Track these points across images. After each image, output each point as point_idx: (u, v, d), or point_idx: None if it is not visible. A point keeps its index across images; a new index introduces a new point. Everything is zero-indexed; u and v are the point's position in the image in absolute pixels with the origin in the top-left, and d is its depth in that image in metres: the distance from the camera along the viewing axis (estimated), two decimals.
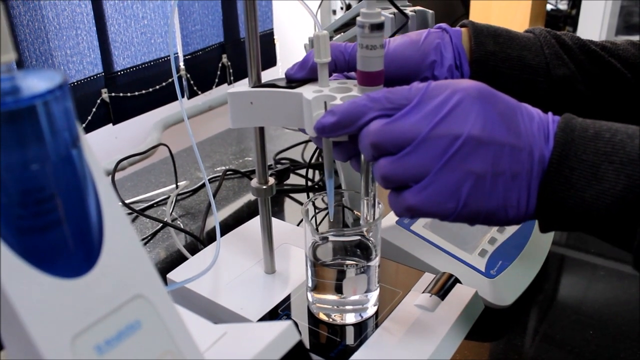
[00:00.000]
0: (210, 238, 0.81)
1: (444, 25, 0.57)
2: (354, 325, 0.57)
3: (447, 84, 0.43)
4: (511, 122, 0.41)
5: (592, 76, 0.56)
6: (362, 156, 0.50)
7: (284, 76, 0.54)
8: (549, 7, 1.56)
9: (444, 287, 0.59)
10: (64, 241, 0.29)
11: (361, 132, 0.44)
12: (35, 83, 0.27)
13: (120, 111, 1.00)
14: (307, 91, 0.50)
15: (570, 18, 1.56)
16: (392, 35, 0.62)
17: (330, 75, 0.53)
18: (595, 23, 1.31)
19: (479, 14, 1.35)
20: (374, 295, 0.57)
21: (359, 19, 0.46)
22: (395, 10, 0.61)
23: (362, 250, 0.57)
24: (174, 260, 0.76)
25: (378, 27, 0.46)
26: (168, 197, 0.90)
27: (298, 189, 0.95)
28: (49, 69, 0.29)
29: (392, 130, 0.42)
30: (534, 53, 0.56)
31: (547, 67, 0.56)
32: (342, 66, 0.54)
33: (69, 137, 0.28)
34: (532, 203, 0.42)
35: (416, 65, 0.55)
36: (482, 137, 0.40)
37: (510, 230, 0.69)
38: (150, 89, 1.05)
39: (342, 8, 1.42)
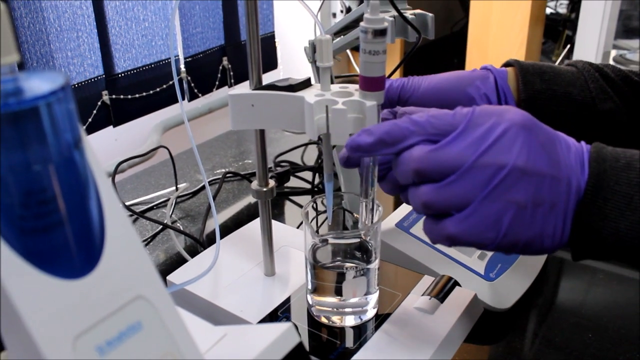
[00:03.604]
0: (210, 240, 0.81)
1: (489, 65, 0.58)
2: (353, 327, 0.57)
3: (491, 111, 0.42)
4: (552, 153, 0.41)
5: (635, 107, 0.57)
6: (365, 159, 0.50)
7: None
8: (548, 10, 1.57)
9: (443, 289, 0.60)
10: (65, 242, 0.29)
11: (401, 156, 0.43)
12: (38, 84, 0.27)
13: (120, 113, 1.00)
14: (309, 95, 0.50)
15: (569, 22, 1.56)
16: (410, 53, 0.63)
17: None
18: (594, 27, 1.31)
19: (478, 17, 1.35)
20: (373, 298, 0.57)
21: (362, 24, 0.46)
22: (396, 13, 0.62)
23: (361, 252, 0.57)
24: (173, 263, 0.76)
25: (381, 32, 0.46)
26: (168, 200, 0.90)
27: (298, 191, 0.95)
28: (52, 71, 0.29)
29: (437, 158, 0.41)
30: (580, 88, 0.57)
31: (593, 102, 0.56)
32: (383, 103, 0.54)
33: (71, 138, 0.28)
34: (567, 232, 0.42)
35: (457, 105, 0.55)
36: (526, 168, 0.40)
37: None
38: (151, 91, 1.05)
39: (342, 11, 1.42)
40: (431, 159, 0.41)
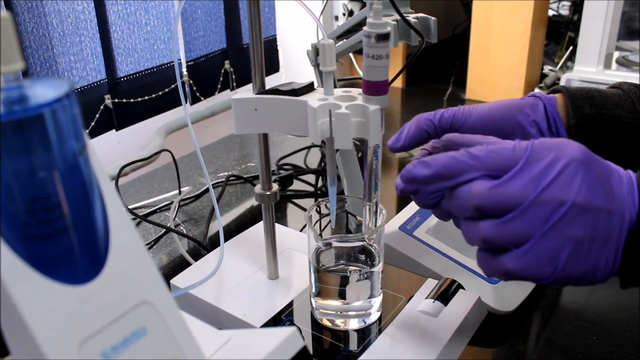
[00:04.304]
0: (213, 244, 0.81)
1: (537, 92, 0.59)
2: (357, 331, 0.57)
3: (550, 145, 0.42)
4: (607, 187, 0.41)
5: None
6: (367, 160, 0.51)
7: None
8: (550, 12, 1.56)
9: (447, 292, 0.59)
10: (70, 248, 0.29)
11: (460, 190, 0.43)
12: (42, 91, 0.27)
13: (123, 117, 1.01)
14: (312, 99, 0.50)
15: (572, 23, 1.56)
16: (413, 57, 0.63)
17: (427, 141, 0.55)
18: (597, 28, 1.31)
19: (480, 19, 1.35)
20: (377, 301, 0.57)
21: (365, 28, 0.46)
22: (398, 17, 0.62)
23: (365, 256, 0.58)
24: (177, 266, 0.76)
25: (384, 37, 0.46)
26: (171, 203, 0.91)
27: (301, 194, 0.95)
28: (56, 78, 0.29)
29: (498, 195, 0.41)
30: (628, 111, 0.57)
31: None
32: (434, 133, 0.55)
33: (75, 145, 0.28)
34: (617, 263, 0.42)
35: (507, 133, 0.55)
36: (585, 204, 0.40)
37: None
38: (154, 95, 1.05)
39: (344, 14, 1.42)
40: (492, 196, 0.41)
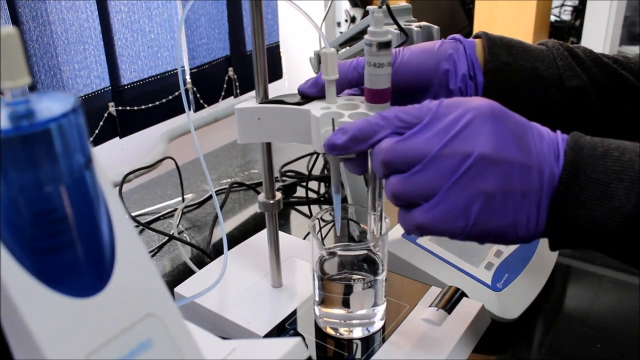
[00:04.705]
0: (217, 251, 0.81)
1: (457, 36, 0.58)
2: (361, 339, 0.57)
3: (459, 102, 0.43)
4: (522, 141, 0.41)
5: (605, 89, 0.57)
6: (369, 171, 0.51)
7: (290, 91, 0.55)
8: (552, 18, 1.57)
9: (451, 301, 0.60)
10: (76, 261, 0.29)
11: (373, 150, 0.45)
12: (49, 106, 0.28)
13: (127, 125, 1.01)
14: (315, 108, 0.50)
15: (574, 29, 1.56)
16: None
17: (343, 90, 0.54)
18: (599, 34, 1.31)
19: (482, 25, 1.35)
20: (380, 310, 0.58)
21: (366, 37, 0.46)
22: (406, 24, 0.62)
23: (369, 264, 0.58)
24: (180, 273, 0.76)
25: (385, 45, 0.46)
26: (175, 210, 0.91)
27: (304, 201, 0.95)
28: (62, 92, 0.29)
29: (402, 149, 0.42)
30: (547, 65, 0.57)
31: (560, 79, 0.56)
32: (356, 82, 0.55)
33: (82, 158, 0.29)
34: (542, 221, 0.42)
35: (430, 74, 0.55)
36: (493, 155, 0.40)
37: None
38: (157, 103, 1.05)
39: (346, 20, 1.43)
40: (396, 149, 0.42)
